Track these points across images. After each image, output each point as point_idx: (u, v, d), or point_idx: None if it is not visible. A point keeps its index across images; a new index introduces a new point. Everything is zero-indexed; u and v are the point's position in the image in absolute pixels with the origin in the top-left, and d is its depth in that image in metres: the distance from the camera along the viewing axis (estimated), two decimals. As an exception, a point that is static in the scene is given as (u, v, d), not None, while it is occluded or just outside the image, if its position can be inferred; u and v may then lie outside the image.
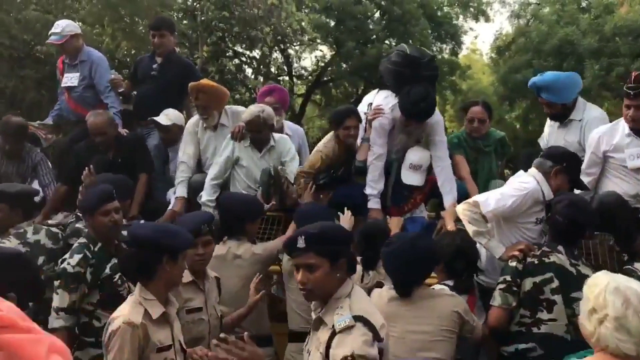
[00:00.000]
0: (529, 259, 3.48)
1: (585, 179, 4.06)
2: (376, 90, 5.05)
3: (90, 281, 3.47)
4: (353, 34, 17.08)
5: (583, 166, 4.15)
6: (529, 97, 14.96)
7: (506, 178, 4.83)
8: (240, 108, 5.30)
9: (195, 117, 5.16)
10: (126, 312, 2.64)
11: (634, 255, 3.78)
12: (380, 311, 2.51)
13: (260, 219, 4.26)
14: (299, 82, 19.98)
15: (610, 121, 4.42)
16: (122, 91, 5.78)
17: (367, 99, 5.03)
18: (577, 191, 4.00)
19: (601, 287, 2.04)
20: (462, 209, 3.82)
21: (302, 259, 2.41)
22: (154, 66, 5.66)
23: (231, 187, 4.83)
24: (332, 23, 17.42)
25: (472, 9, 20.06)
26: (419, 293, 3.17)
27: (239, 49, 16.52)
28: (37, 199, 4.75)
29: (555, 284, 3.37)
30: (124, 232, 3.69)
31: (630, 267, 3.56)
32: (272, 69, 18.21)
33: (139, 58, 6.44)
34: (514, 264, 3.50)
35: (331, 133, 4.92)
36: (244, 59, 17.06)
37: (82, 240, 3.59)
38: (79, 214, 4.12)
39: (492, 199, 3.73)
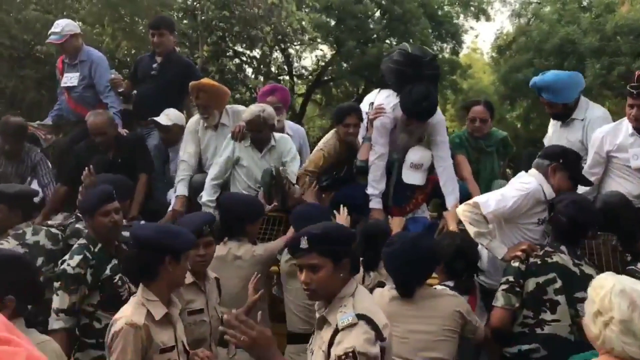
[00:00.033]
0: (531, 259, 3.46)
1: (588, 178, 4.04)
2: (378, 89, 5.05)
3: (90, 282, 3.45)
4: (353, 34, 17.08)
5: (586, 166, 4.14)
6: (530, 96, 14.97)
7: (508, 178, 4.82)
8: (241, 107, 5.29)
9: (197, 116, 5.15)
10: (129, 313, 2.63)
11: (637, 255, 3.77)
12: (382, 311, 2.49)
13: (261, 219, 4.24)
14: (299, 81, 19.98)
15: (612, 120, 4.40)
16: (122, 91, 5.77)
17: (368, 99, 5.02)
18: (582, 190, 3.97)
19: (607, 289, 2.01)
20: (462, 210, 3.80)
21: (305, 260, 2.40)
22: (154, 66, 5.65)
23: (231, 187, 4.82)
24: (333, 22, 17.43)
25: (472, 8, 20.08)
26: (420, 293, 3.16)
27: (239, 48, 16.52)
28: (36, 199, 4.72)
29: (559, 284, 3.35)
30: (125, 233, 3.68)
31: (633, 267, 3.54)
32: (273, 69, 18.23)
33: (139, 57, 6.43)
34: (516, 264, 3.48)
35: (332, 130, 4.92)
36: (244, 58, 17.08)
37: (82, 241, 3.57)
38: (78, 214, 4.10)
39: (492, 200, 3.71)
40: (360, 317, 2.29)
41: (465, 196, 4.44)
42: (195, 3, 14.94)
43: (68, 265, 3.40)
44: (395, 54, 4.71)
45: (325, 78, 19.40)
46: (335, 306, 2.37)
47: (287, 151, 4.80)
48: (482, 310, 3.71)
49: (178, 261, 2.74)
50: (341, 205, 4.12)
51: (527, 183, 3.75)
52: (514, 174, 4.26)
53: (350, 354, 2.19)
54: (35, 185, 5.18)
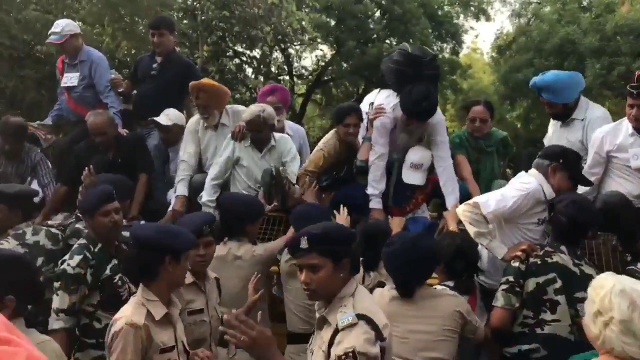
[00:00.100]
0: (531, 259, 3.46)
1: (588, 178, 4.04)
2: (378, 89, 5.04)
3: (90, 282, 3.44)
4: (353, 33, 17.08)
5: (586, 166, 4.14)
6: (529, 96, 14.97)
7: (508, 178, 4.82)
8: (241, 107, 5.29)
9: (197, 116, 5.14)
10: (129, 313, 2.63)
11: (637, 255, 3.77)
12: (382, 311, 2.49)
13: (261, 219, 4.24)
14: (299, 81, 19.98)
15: (612, 120, 4.40)
16: (122, 91, 5.76)
17: (368, 99, 5.02)
18: (582, 190, 3.97)
19: (607, 289, 2.01)
20: (462, 210, 3.80)
21: (305, 260, 2.40)
22: (154, 66, 5.65)
23: (231, 187, 4.81)
24: (333, 22, 17.43)
25: (472, 8, 20.08)
26: (420, 293, 3.16)
27: (239, 48, 16.52)
28: (36, 199, 4.72)
29: (559, 284, 3.35)
30: (125, 233, 3.68)
31: (633, 267, 3.54)
32: (273, 69, 18.22)
33: (139, 57, 6.43)
34: (516, 264, 3.48)
35: (332, 130, 4.92)
36: (244, 58, 17.07)
37: (82, 241, 3.57)
38: (78, 214, 4.10)
39: (492, 200, 3.71)
40: (360, 317, 2.29)
41: (465, 196, 4.43)
42: (195, 3, 14.94)
43: (68, 265, 3.40)
44: (396, 54, 4.71)
45: (325, 78, 19.39)
46: (335, 306, 2.37)
47: (287, 151, 4.79)
48: (482, 310, 3.71)
49: (178, 261, 2.74)
50: (341, 205, 4.11)
51: (527, 183, 3.75)
52: (514, 174, 4.26)
53: (350, 354, 2.19)
54: (35, 185, 5.18)
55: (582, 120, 4.51)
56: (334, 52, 18.37)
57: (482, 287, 3.88)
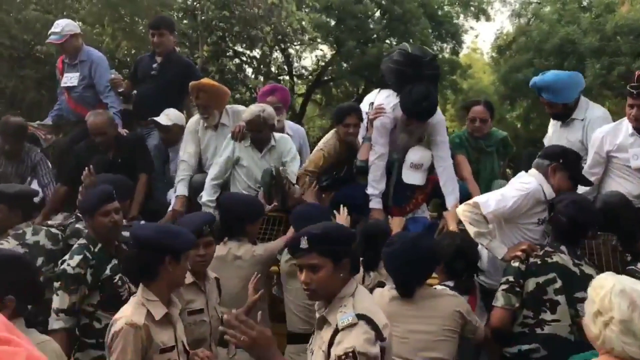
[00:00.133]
0: (531, 259, 3.46)
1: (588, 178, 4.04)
2: (378, 89, 5.04)
3: (90, 282, 3.44)
4: (353, 33, 17.08)
5: (586, 166, 4.14)
6: (529, 96, 14.96)
7: (508, 178, 4.82)
8: (241, 107, 5.29)
9: (197, 116, 5.14)
10: (129, 313, 2.63)
11: (637, 255, 3.77)
12: (382, 311, 2.49)
13: (261, 219, 4.24)
14: (299, 81, 19.98)
15: (612, 120, 4.40)
16: (122, 91, 5.76)
17: (368, 99, 5.02)
18: (582, 190, 3.97)
19: (607, 289, 2.01)
20: (462, 210, 3.80)
21: (305, 260, 2.40)
22: (154, 65, 5.65)
23: (231, 187, 4.81)
24: (333, 22, 17.43)
25: (472, 8, 20.08)
26: (420, 293, 3.15)
27: (239, 48, 16.52)
28: (36, 199, 4.72)
29: (559, 284, 3.35)
30: (124, 233, 3.68)
31: (633, 267, 3.54)
32: (273, 69, 18.22)
33: (139, 57, 6.43)
34: (516, 264, 3.48)
35: (333, 130, 4.92)
36: (244, 58, 17.06)
37: (82, 241, 3.57)
38: (78, 214, 4.10)
39: (492, 200, 3.71)
40: (360, 317, 2.29)
41: (465, 196, 4.43)
42: (195, 3, 14.93)
43: (68, 265, 3.40)
44: (396, 54, 4.71)
45: (325, 78, 19.39)
46: (335, 306, 2.37)
47: (287, 151, 4.79)
48: (482, 310, 3.71)
49: (178, 261, 2.73)
50: (341, 205, 4.11)
51: (527, 183, 3.75)
52: (514, 174, 4.26)
53: (350, 354, 2.19)
54: (35, 185, 5.18)
55: (582, 120, 4.51)
56: (334, 52, 18.36)
57: (482, 287, 3.88)
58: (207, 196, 4.70)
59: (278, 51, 17.94)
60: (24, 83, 11.51)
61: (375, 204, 4.64)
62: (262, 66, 17.13)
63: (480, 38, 37.49)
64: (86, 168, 4.11)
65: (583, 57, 13.79)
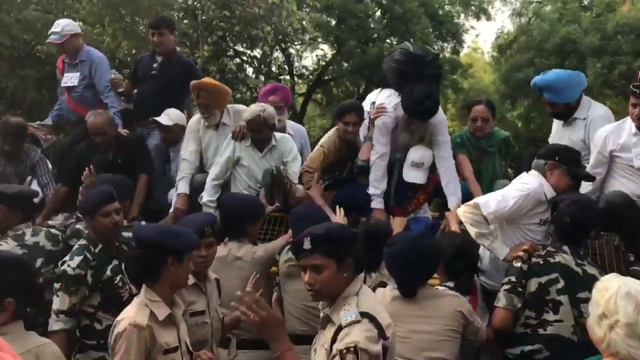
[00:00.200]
0: (533, 259, 3.45)
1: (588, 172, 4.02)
2: (379, 89, 5.03)
3: (91, 283, 3.43)
4: (354, 33, 17.07)
5: (589, 166, 4.13)
6: (530, 95, 14.96)
7: (510, 178, 4.80)
8: (242, 107, 5.27)
9: (198, 116, 5.13)
10: (132, 314, 2.62)
11: (641, 255, 3.75)
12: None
13: (262, 219, 4.23)
14: (300, 81, 19.96)
15: (614, 119, 4.38)
16: (123, 91, 5.76)
17: (370, 98, 5.02)
18: (585, 190, 3.95)
19: (612, 291, 1.99)
20: (463, 211, 3.79)
21: (309, 260, 2.40)
22: (155, 65, 5.64)
23: (232, 187, 4.80)
24: (333, 22, 17.42)
25: (473, 8, 20.09)
26: (422, 293, 3.15)
27: (239, 48, 16.50)
28: (36, 200, 4.71)
29: (561, 284, 3.34)
30: (125, 233, 3.67)
31: (637, 267, 3.53)
32: (273, 68, 18.20)
33: (140, 57, 6.42)
34: (518, 264, 3.46)
35: (334, 128, 4.92)
36: (245, 58, 17.05)
37: (83, 242, 3.56)
38: (79, 215, 4.09)
39: (493, 201, 3.70)
40: (364, 315, 2.29)
41: (466, 196, 4.42)
42: (195, 3, 14.92)
43: (68, 266, 3.39)
44: (397, 53, 4.69)
45: (326, 78, 19.39)
46: (339, 305, 2.37)
47: (288, 151, 4.78)
48: (483, 311, 3.70)
49: (181, 262, 2.73)
50: (337, 207, 4.10)
51: (528, 183, 3.74)
52: (516, 174, 4.25)
53: (352, 349, 2.20)
54: (35, 185, 5.17)
55: (584, 119, 4.49)
56: (334, 51, 18.36)
57: (483, 288, 3.87)
58: (207, 196, 4.68)
59: (279, 51, 17.94)
60: (24, 83, 11.50)
61: (377, 204, 4.63)
62: (262, 66, 17.12)
63: (481, 37, 37.41)
64: (86, 168, 4.10)
65: (584, 57, 13.77)
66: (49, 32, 5.70)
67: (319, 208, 4.26)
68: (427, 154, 4.66)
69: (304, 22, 14.37)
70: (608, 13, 14.18)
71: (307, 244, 2.38)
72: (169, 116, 5.26)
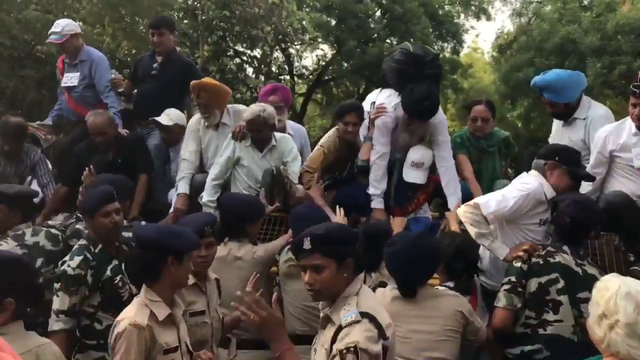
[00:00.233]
0: (533, 259, 3.45)
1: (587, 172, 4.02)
2: (379, 89, 5.03)
3: (91, 283, 3.43)
4: (354, 33, 17.07)
5: (589, 166, 4.12)
6: (530, 95, 14.96)
7: (510, 178, 4.80)
8: (242, 107, 5.28)
9: (198, 116, 5.14)
10: (132, 314, 2.62)
11: (641, 255, 3.75)
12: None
13: (262, 219, 4.23)
14: (300, 81, 19.96)
15: (614, 119, 4.38)
16: (123, 90, 5.76)
17: (370, 98, 5.02)
18: (585, 190, 3.95)
19: (612, 291, 1.99)
20: (463, 211, 3.79)
21: (309, 260, 2.40)
22: (155, 65, 5.64)
23: (232, 187, 4.80)
24: (333, 22, 17.42)
25: (473, 8, 20.09)
26: (422, 293, 3.15)
27: (239, 48, 16.50)
28: (36, 200, 4.71)
29: (561, 284, 3.34)
30: (125, 233, 3.67)
31: (637, 267, 3.53)
32: (273, 68, 18.20)
33: (139, 57, 6.42)
34: (518, 264, 3.46)
35: (334, 128, 4.92)
36: (245, 58, 17.05)
37: (83, 242, 3.56)
38: (79, 215, 4.09)
39: (493, 201, 3.70)
40: (364, 315, 2.29)
41: (466, 196, 4.42)
42: (195, 3, 14.92)
43: (68, 266, 3.39)
44: (397, 53, 4.69)
45: (326, 78, 19.39)
46: (340, 305, 2.37)
47: (289, 151, 4.78)
48: (483, 311, 3.70)
49: (181, 262, 2.73)
50: (337, 207, 4.10)
51: (527, 183, 3.74)
52: (516, 174, 4.25)
53: (352, 349, 2.20)
54: (34, 185, 5.17)
55: (584, 119, 4.49)
56: (334, 51, 18.36)
57: (483, 288, 3.87)
58: (207, 196, 4.68)
59: (279, 51, 17.94)
60: (24, 83, 11.51)
61: (377, 204, 4.63)
62: (262, 66, 17.12)
63: (481, 37, 37.39)
64: (86, 168, 4.10)
65: (584, 57, 13.77)
66: (49, 32, 5.70)
67: (319, 208, 4.26)
68: (427, 154, 4.66)
69: (304, 22, 14.37)
70: (608, 13, 14.19)
71: (307, 244, 2.38)
72: (169, 116, 5.27)
